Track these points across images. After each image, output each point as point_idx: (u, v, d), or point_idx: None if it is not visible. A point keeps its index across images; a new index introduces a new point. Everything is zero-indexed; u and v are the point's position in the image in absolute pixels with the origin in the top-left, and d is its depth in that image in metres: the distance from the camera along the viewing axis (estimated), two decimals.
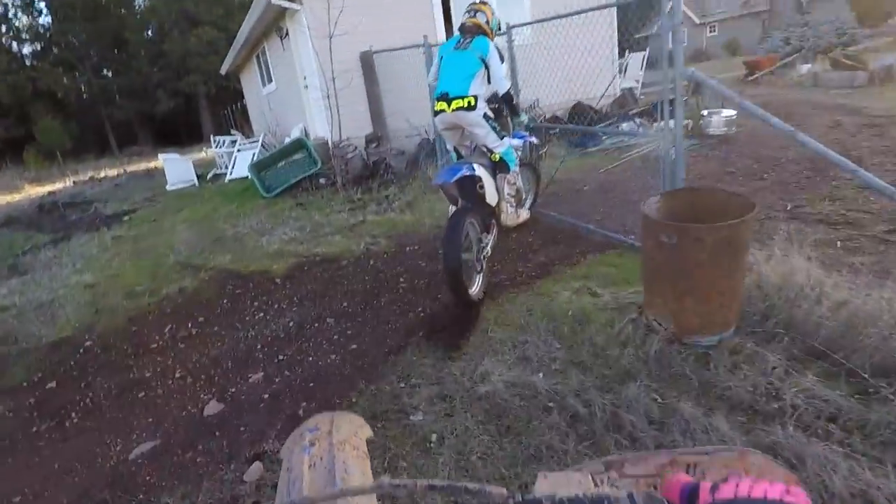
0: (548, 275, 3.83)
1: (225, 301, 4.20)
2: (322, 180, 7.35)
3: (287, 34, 8.45)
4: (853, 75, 11.46)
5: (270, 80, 11.10)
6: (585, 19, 5.47)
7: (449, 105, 3.70)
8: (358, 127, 7.77)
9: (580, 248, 4.29)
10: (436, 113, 3.84)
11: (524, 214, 4.07)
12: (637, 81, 12.45)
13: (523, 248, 4.45)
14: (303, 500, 0.58)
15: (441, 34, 8.19)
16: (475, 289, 3.49)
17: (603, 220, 4.92)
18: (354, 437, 0.77)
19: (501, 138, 3.83)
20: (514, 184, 4.02)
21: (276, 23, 8.80)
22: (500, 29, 4.18)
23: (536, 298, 3.45)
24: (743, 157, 6.76)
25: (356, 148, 7.34)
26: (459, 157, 4.10)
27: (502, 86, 3.74)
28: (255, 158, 9.17)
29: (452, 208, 3.63)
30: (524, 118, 4.16)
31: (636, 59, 12.70)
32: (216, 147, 11.11)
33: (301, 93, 8.61)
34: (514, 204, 4.01)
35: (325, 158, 7.49)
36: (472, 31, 3.84)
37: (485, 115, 3.69)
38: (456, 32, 4.01)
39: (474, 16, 3.85)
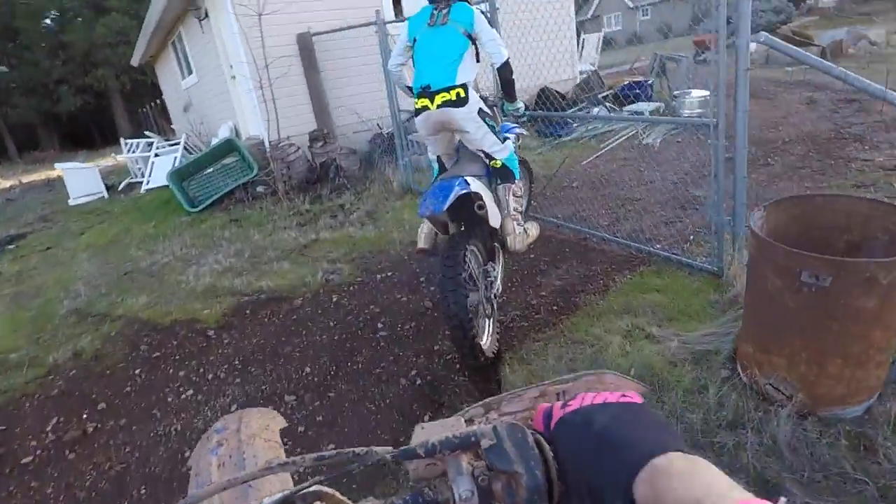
0: (575, 308, 2.95)
1: (137, 372, 3.05)
2: (260, 189, 6.15)
3: (206, 15, 7.12)
4: (805, 51, 11.29)
5: (191, 72, 9.63)
6: None
7: (432, 101, 2.72)
8: (299, 123, 6.61)
9: (599, 264, 3.45)
10: (416, 112, 2.84)
11: (533, 231, 3.14)
12: (593, 64, 11.83)
13: (526, 268, 3.56)
14: (192, 495, 0.48)
15: (389, 11, 7.13)
16: (486, 340, 2.56)
17: (612, 224, 4.11)
18: (266, 430, 0.73)
19: (503, 141, 2.89)
20: (521, 195, 3.08)
21: (192, 1, 7.44)
22: None
23: (574, 347, 2.56)
24: (732, 139, 6.10)
25: (298, 148, 6.20)
26: (442, 169, 3.11)
27: (499, 55, 2.78)
28: (176, 164, 7.80)
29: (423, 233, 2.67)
30: (520, 105, 3.20)
31: (591, 41, 12.08)
32: (128, 152, 9.52)
33: (228, 85, 7.32)
34: (522, 220, 3.07)
35: (262, 162, 6.30)
36: None
37: (480, 111, 2.74)
38: (425, 2, 3.00)
39: None
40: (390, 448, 0.44)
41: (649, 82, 8.64)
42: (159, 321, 3.64)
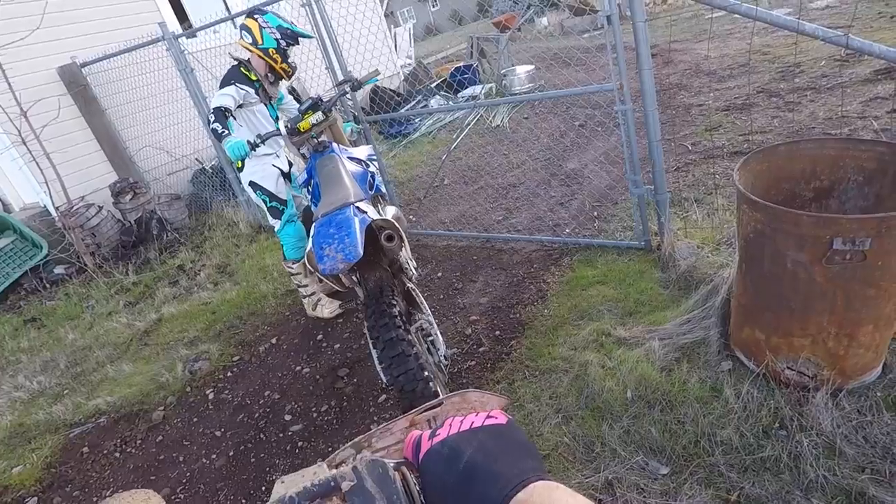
0: (520, 327, 2.50)
1: None
2: (59, 270, 4.73)
3: None
4: (594, 18, 12.32)
5: None
6: None
7: None
8: (93, 177, 5.26)
9: (518, 266, 3.05)
10: None
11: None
12: (409, 57, 11.62)
13: (439, 292, 3.04)
14: None
15: (173, 21, 5.99)
16: None
17: (506, 218, 3.76)
18: None
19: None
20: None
21: None
22: None
23: (547, 379, 2.11)
24: (573, 106, 6.21)
25: (101, 208, 4.89)
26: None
27: None
28: None
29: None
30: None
31: (402, 34, 11.84)
32: None
33: None
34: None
35: (53, 236, 4.86)
36: None
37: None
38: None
39: None
40: None
41: (475, 66, 8.60)
42: None
